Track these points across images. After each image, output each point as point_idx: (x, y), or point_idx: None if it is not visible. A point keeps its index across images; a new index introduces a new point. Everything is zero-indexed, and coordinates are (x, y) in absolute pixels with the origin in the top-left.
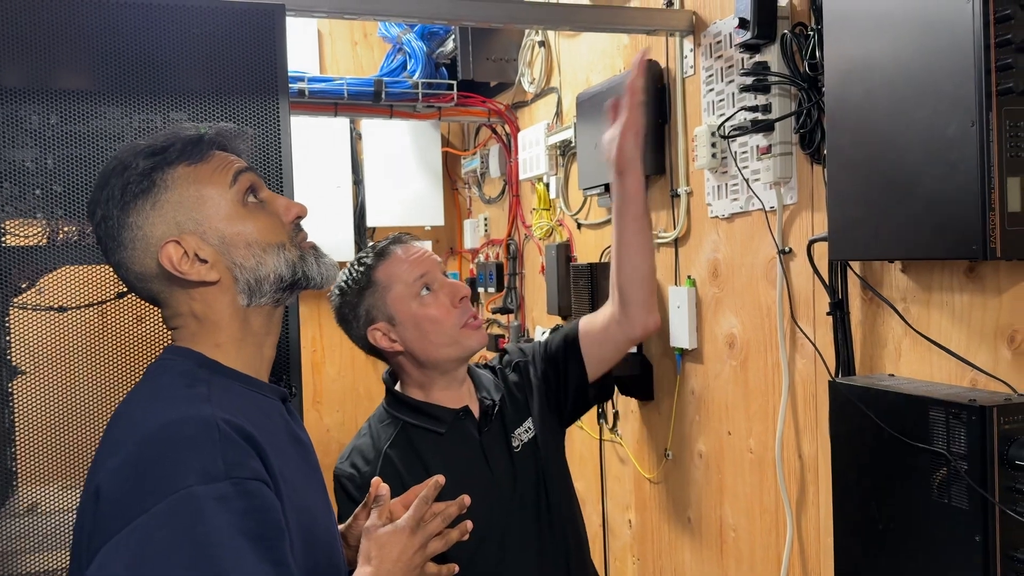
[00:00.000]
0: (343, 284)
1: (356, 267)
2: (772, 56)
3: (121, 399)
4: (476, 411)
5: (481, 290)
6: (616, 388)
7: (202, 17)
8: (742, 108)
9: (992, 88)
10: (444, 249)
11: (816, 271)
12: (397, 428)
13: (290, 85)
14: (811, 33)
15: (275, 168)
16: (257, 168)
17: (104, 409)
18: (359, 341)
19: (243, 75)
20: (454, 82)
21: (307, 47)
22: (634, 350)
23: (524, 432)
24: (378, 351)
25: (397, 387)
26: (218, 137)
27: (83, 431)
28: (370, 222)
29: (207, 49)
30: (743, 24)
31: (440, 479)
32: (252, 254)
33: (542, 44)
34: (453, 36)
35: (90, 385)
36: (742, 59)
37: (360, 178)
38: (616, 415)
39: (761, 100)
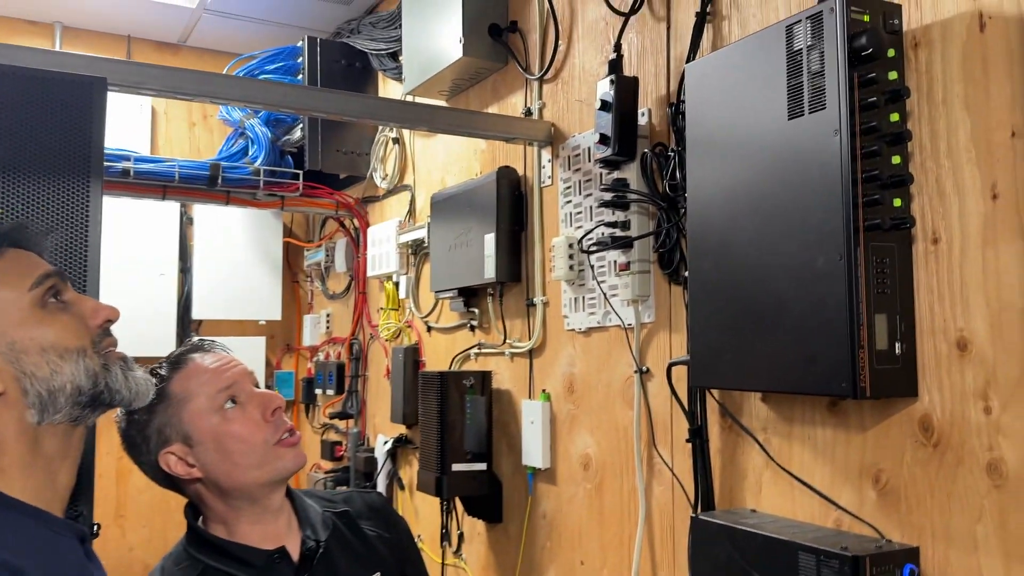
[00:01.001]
0: None
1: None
2: (632, 174)
3: None
4: (296, 552)
5: (319, 391)
6: (462, 507)
7: (11, 83)
8: (601, 223)
9: (860, 223)
10: (280, 346)
11: (675, 395)
12: (197, 573)
13: (114, 164)
14: (671, 154)
15: (79, 257)
16: (59, 254)
17: None
18: (150, 470)
19: (52, 151)
20: (300, 172)
21: (139, 125)
22: (483, 467)
23: None
24: (174, 481)
25: (200, 522)
26: (13, 233)
27: None
28: (196, 314)
29: (13, 119)
30: (603, 140)
31: None
32: (47, 361)
33: (396, 141)
34: (302, 124)
35: None
36: (601, 174)
37: (188, 266)
38: (461, 537)
39: (620, 216)
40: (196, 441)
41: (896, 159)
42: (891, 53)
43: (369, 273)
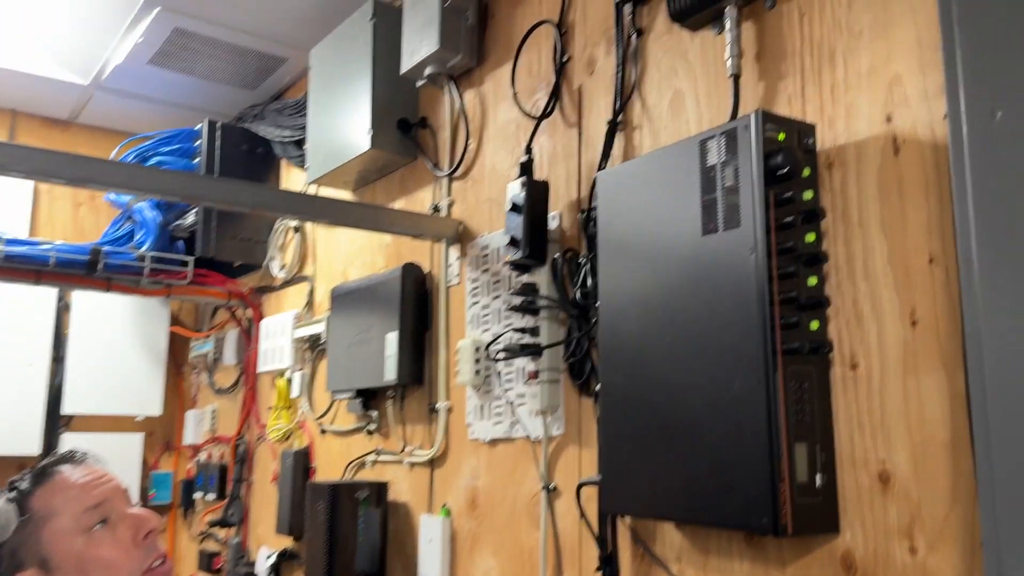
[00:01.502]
0: None
1: (5, 494)
2: (542, 278)
3: None
4: None
5: (199, 496)
6: None
7: None
8: (510, 328)
9: (778, 347)
10: (159, 443)
11: (585, 518)
12: None
13: None
14: (583, 261)
15: None
16: None
17: None
18: None
19: None
20: (191, 258)
21: (19, 204)
22: None
23: None
24: None
25: None
26: None
27: None
28: (67, 409)
29: None
30: (514, 243)
31: None
32: None
33: (297, 230)
34: (196, 209)
35: None
36: (511, 276)
37: (61, 355)
38: None
39: (530, 322)
40: (54, 566)
41: (812, 280)
42: (806, 172)
43: (260, 368)
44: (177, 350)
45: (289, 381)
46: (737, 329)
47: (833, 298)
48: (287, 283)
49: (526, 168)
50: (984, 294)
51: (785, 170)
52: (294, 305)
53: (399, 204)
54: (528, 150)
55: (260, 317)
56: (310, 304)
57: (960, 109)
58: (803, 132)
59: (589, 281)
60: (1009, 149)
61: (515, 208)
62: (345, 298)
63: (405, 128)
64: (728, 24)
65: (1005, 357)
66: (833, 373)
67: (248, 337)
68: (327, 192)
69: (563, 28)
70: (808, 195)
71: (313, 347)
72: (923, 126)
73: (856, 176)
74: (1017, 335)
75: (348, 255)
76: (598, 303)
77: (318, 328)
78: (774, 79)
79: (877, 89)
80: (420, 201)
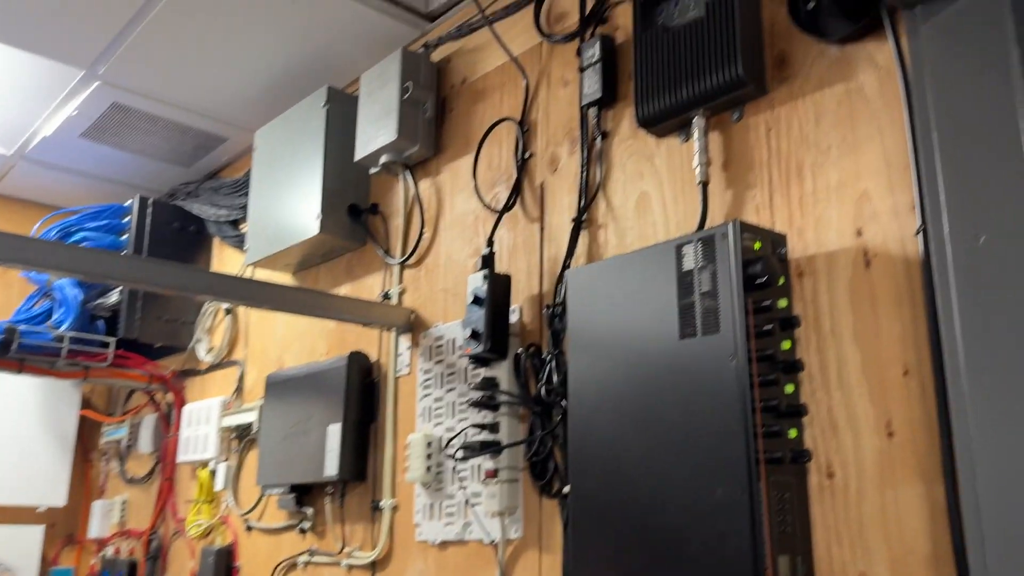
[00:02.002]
0: None
1: None
2: (503, 373)
3: None
4: None
5: None
6: None
7: None
8: (468, 424)
9: (761, 455)
10: (60, 536)
11: None
12: None
13: None
14: (547, 356)
15: None
16: None
17: None
18: None
19: None
20: (112, 339)
21: None
22: None
23: None
24: None
25: None
26: None
27: None
28: None
29: None
30: (475, 336)
31: None
32: None
33: (229, 312)
34: (120, 288)
35: None
36: (467, 369)
37: None
38: None
39: (489, 418)
40: None
41: (790, 388)
42: (781, 281)
43: (180, 458)
44: (86, 435)
45: (213, 473)
46: (718, 435)
47: (808, 406)
48: (214, 367)
49: (488, 261)
50: (975, 408)
51: (764, 279)
52: (221, 391)
53: (344, 290)
54: (490, 243)
55: (182, 403)
56: (239, 391)
57: (944, 233)
58: (776, 242)
59: (554, 377)
60: (994, 272)
61: (477, 301)
62: (282, 386)
63: (355, 214)
64: (696, 133)
65: (999, 470)
66: (810, 482)
67: (167, 423)
68: (264, 274)
69: (525, 126)
70: (783, 303)
71: (241, 437)
72: (894, 241)
73: (827, 286)
74: (1010, 449)
75: (285, 340)
76: (566, 401)
77: (249, 417)
78: (742, 188)
79: (846, 203)
80: (367, 287)
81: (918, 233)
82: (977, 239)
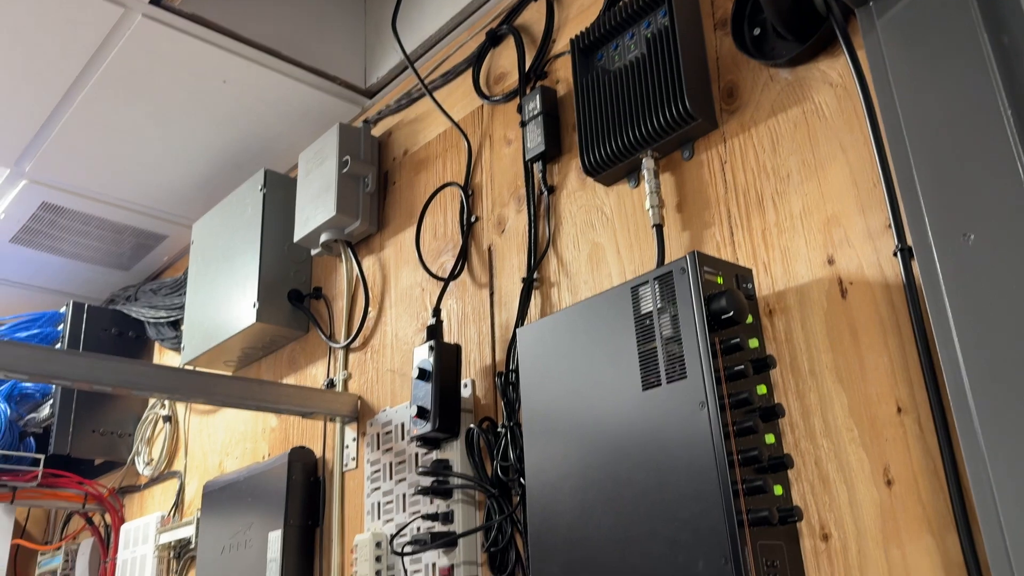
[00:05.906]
0: None
1: None
2: (455, 454)
3: None
4: None
5: None
6: None
7: None
8: (417, 515)
9: (744, 517)
10: None
11: None
12: None
13: None
14: (502, 430)
15: None
16: None
17: None
18: None
19: None
20: (41, 456)
21: None
22: None
23: None
24: None
25: None
26: None
27: None
28: None
29: None
30: (422, 414)
31: None
32: None
33: (167, 419)
34: (52, 401)
35: None
36: (418, 454)
37: None
38: None
39: (442, 506)
40: None
41: (770, 438)
42: (749, 319)
43: None
44: (20, 567)
45: None
46: (694, 497)
47: (793, 458)
48: (154, 481)
49: (434, 331)
50: (989, 441)
51: (730, 314)
52: (161, 506)
53: (289, 382)
54: (436, 312)
55: (121, 522)
56: (178, 504)
57: (928, 239)
58: (741, 276)
59: (511, 453)
60: (987, 270)
61: (423, 375)
62: (219, 494)
63: (296, 299)
64: (646, 175)
65: None
66: (803, 546)
67: (105, 547)
68: None
69: (469, 190)
70: (754, 343)
71: (180, 555)
72: (871, 266)
73: (801, 322)
74: None
75: (225, 444)
76: (523, 479)
77: (187, 531)
78: (699, 227)
79: (813, 231)
80: (312, 377)
81: (896, 253)
82: (966, 238)
